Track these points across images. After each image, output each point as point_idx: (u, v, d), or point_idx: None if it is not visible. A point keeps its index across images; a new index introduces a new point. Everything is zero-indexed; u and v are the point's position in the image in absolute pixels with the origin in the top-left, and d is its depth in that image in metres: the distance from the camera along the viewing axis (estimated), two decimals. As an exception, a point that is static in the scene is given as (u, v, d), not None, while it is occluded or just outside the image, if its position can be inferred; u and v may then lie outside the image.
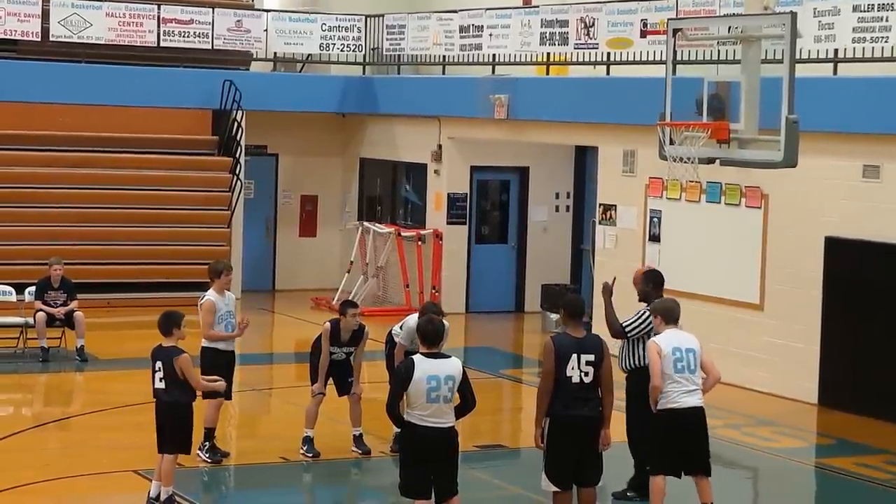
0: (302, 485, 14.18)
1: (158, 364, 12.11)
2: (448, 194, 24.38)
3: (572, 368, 11.01)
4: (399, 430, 14.37)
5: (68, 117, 24.34)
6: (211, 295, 13.90)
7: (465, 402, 10.80)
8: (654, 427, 11.76)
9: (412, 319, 14.11)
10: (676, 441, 11.69)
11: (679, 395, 11.61)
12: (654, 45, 19.52)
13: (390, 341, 14.38)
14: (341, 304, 14.53)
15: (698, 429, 11.78)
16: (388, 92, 25.64)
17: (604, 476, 11.40)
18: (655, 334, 11.90)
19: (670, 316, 11.89)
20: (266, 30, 25.70)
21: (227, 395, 14.07)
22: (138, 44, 24.74)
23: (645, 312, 12.55)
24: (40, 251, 22.09)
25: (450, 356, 10.76)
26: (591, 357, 11.07)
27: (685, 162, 13.34)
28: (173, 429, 12.09)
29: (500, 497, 13.38)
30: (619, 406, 16.12)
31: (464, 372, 10.74)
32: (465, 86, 23.70)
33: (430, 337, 10.75)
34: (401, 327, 14.23)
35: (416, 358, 10.69)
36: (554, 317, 20.28)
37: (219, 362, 13.77)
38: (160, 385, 12.09)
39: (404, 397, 10.65)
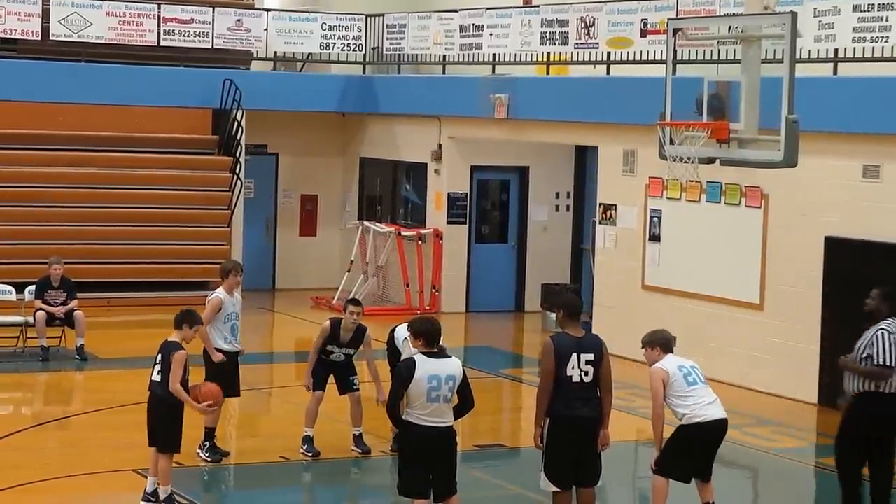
0: (302, 484, 14.18)
1: (159, 356, 12.13)
2: (448, 194, 24.39)
3: (572, 368, 11.01)
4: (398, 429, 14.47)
5: (68, 116, 24.34)
6: (220, 293, 13.95)
7: (464, 402, 10.81)
8: (677, 437, 11.64)
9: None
10: (699, 453, 11.64)
11: (702, 406, 11.49)
12: (655, 45, 19.53)
13: (392, 342, 14.28)
14: (346, 302, 14.51)
15: (719, 441, 11.72)
16: (388, 91, 25.64)
17: (603, 476, 11.40)
18: (652, 364, 11.78)
19: (669, 346, 11.78)
20: (266, 29, 25.71)
21: (236, 391, 14.11)
22: (138, 43, 24.73)
23: (878, 333, 11.94)
24: (40, 250, 22.09)
25: (450, 356, 10.77)
26: (591, 356, 11.07)
27: (685, 161, 13.33)
28: (162, 425, 12.06)
29: (499, 497, 13.38)
30: (619, 405, 16.16)
31: (463, 373, 10.75)
32: (465, 85, 23.70)
33: (429, 336, 10.76)
34: (403, 340, 13.97)
35: (418, 357, 10.70)
36: (554, 316, 20.29)
37: (223, 362, 13.81)
38: (156, 378, 12.10)
39: (404, 397, 10.65)
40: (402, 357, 13.51)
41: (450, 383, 10.62)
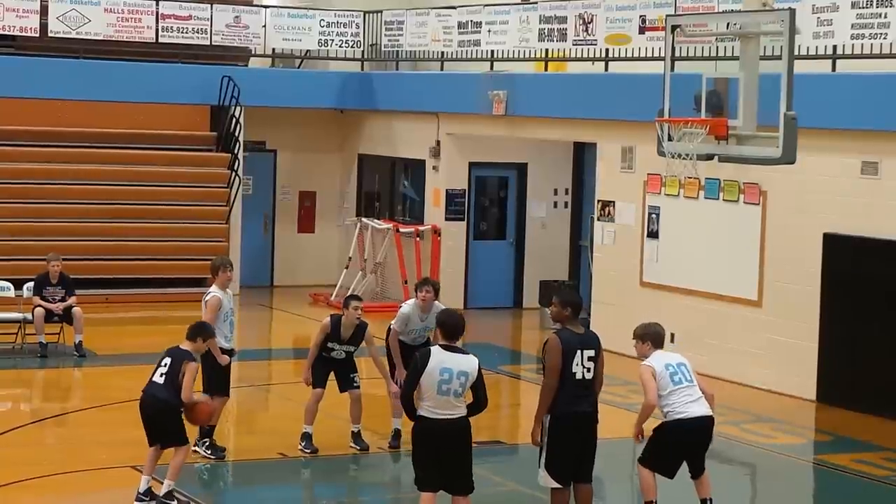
0: (300, 481, 14.17)
1: (167, 360, 12.05)
2: (446, 190, 24.39)
3: (576, 364, 11.01)
4: (396, 428, 14.49)
5: (67, 113, 24.35)
6: (216, 292, 13.87)
7: (478, 401, 10.78)
8: (659, 432, 11.67)
9: (406, 305, 14.21)
10: (682, 451, 11.61)
11: (684, 404, 11.49)
12: (653, 42, 19.51)
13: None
14: (345, 299, 14.53)
15: (705, 438, 11.70)
16: (386, 88, 25.63)
17: (599, 472, 11.40)
18: (643, 358, 11.80)
19: (659, 340, 11.80)
20: (264, 26, 25.72)
21: (227, 391, 14.11)
22: (137, 39, 24.73)
23: None
24: (38, 247, 22.10)
25: (468, 353, 10.77)
26: (592, 353, 11.10)
27: (684, 158, 13.33)
28: (170, 424, 12.03)
29: (497, 493, 13.36)
30: (617, 402, 16.16)
31: (479, 371, 10.73)
32: (463, 82, 23.70)
33: (449, 329, 10.77)
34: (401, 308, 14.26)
35: (434, 349, 10.73)
36: (548, 311, 20.26)
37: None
38: (158, 380, 12.03)
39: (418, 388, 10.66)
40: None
41: (461, 379, 10.61)
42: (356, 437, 14.33)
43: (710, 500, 11.74)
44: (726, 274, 18.69)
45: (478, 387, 10.73)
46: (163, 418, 12.01)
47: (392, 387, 14.17)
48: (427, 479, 10.74)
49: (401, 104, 25.22)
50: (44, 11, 24.01)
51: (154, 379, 12.07)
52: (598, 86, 20.81)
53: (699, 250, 19.10)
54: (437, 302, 14.18)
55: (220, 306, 13.79)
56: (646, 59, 19.80)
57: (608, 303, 20.59)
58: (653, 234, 19.97)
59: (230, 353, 13.96)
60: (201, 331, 12.33)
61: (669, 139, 13.52)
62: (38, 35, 24.11)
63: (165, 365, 12.03)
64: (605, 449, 11.40)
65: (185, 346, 12.16)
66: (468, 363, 10.67)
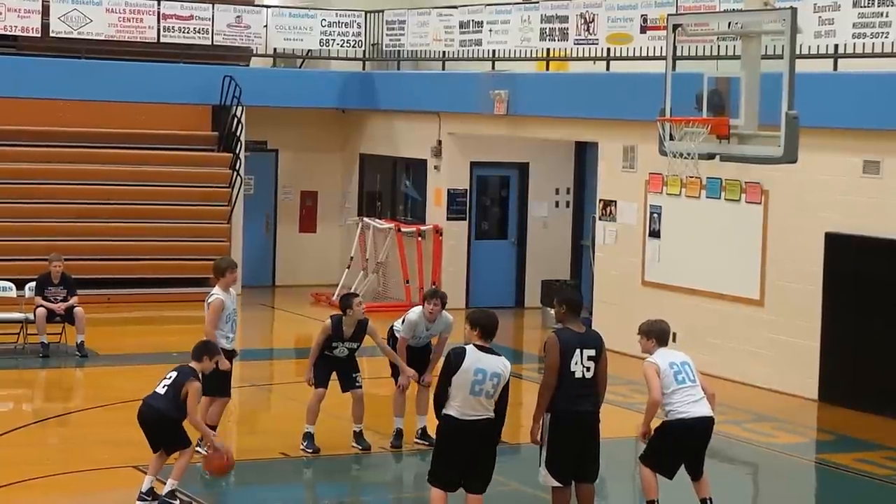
0: (302, 481, 14.18)
1: (173, 374, 12.10)
2: (448, 190, 24.39)
3: (575, 363, 11.02)
4: (398, 428, 14.50)
5: (68, 113, 24.36)
6: (219, 293, 13.81)
7: (497, 415, 10.79)
8: (661, 432, 11.67)
9: (413, 313, 14.21)
10: (683, 451, 11.62)
11: (686, 404, 11.49)
12: (654, 41, 19.53)
13: (392, 337, 14.41)
14: (342, 299, 14.48)
15: (705, 439, 11.71)
16: (387, 88, 25.64)
17: (601, 471, 11.40)
18: (647, 355, 11.79)
19: (665, 338, 11.80)
20: (266, 25, 25.73)
21: (228, 392, 14.10)
22: (138, 39, 24.75)
23: None
24: (40, 247, 22.12)
25: (501, 355, 10.79)
26: (593, 352, 11.09)
27: (685, 157, 13.35)
28: (171, 434, 12.07)
29: (499, 493, 13.32)
30: (619, 401, 16.16)
31: (508, 378, 10.74)
32: (464, 82, 23.70)
33: (486, 329, 10.78)
34: (402, 322, 14.29)
35: (468, 348, 10.73)
36: (550, 311, 20.25)
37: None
38: (160, 390, 12.07)
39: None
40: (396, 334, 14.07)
41: (494, 380, 10.64)
42: (358, 436, 14.33)
43: (710, 499, 11.74)
44: (728, 273, 18.69)
45: (503, 396, 10.74)
46: (160, 428, 12.08)
47: (407, 371, 14.18)
48: (443, 476, 10.78)
49: (402, 104, 25.23)
50: (45, 11, 24.03)
51: (157, 389, 12.14)
52: (600, 85, 20.82)
53: (701, 250, 19.10)
54: (443, 312, 14.23)
55: (222, 308, 13.76)
56: (647, 58, 19.82)
57: (610, 302, 20.59)
58: (654, 234, 19.97)
59: (232, 353, 13.94)
60: (206, 350, 12.42)
61: (671, 138, 13.53)
62: (39, 35, 24.14)
63: (170, 378, 12.10)
64: (606, 448, 11.40)
65: (193, 364, 12.22)
66: (501, 365, 10.72)
